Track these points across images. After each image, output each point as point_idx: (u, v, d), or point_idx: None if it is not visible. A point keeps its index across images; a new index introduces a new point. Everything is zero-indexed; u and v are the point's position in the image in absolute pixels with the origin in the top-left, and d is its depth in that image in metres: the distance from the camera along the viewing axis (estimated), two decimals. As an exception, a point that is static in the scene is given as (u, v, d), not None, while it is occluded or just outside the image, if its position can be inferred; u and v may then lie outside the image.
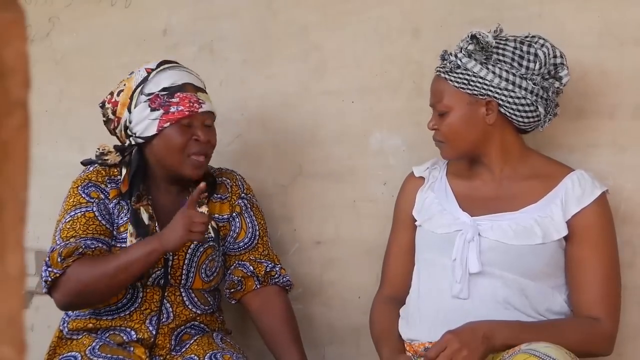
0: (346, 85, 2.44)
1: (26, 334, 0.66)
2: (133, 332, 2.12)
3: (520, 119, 1.93)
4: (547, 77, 1.93)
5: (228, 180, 2.28)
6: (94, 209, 2.11)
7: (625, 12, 2.07)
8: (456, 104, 1.93)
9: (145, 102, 2.10)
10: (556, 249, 1.89)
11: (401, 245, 2.10)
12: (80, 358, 2.06)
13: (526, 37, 1.95)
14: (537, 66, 1.91)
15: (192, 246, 2.16)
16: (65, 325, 2.18)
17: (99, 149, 2.19)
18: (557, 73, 1.95)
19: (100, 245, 2.07)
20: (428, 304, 1.94)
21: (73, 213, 2.11)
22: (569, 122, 2.12)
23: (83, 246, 2.04)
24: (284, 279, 2.26)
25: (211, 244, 2.20)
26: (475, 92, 1.91)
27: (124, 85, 2.16)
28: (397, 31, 2.37)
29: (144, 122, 2.10)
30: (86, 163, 2.22)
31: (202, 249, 2.18)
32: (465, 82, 1.91)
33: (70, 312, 2.18)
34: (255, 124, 2.56)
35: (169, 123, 2.08)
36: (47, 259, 2.06)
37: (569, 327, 1.85)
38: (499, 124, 1.94)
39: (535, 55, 1.92)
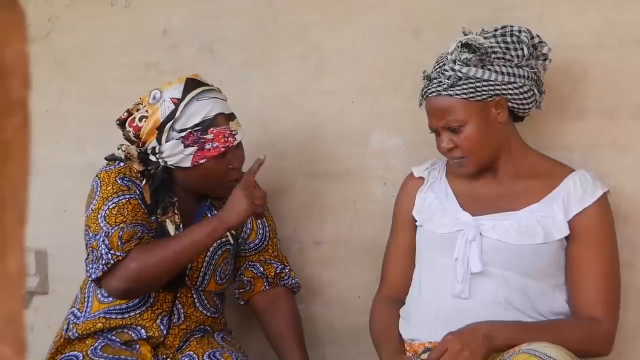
0: (346, 85, 2.44)
1: (26, 334, 0.66)
2: (143, 330, 2.12)
3: (523, 107, 1.94)
4: (534, 59, 1.94)
5: None
6: (137, 197, 2.08)
7: (625, 12, 2.08)
8: (469, 115, 1.90)
9: (178, 139, 2.05)
10: (558, 249, 1.89)
11: (401, 245, 2.10)
12: (82, 358, 2.06)
13: (497, 29, 1.94)
14: (525, 51, 1.91)
15: (210, 248, 2.16)
16: (71, 327, 2.16)
17: (123, 150, 2.13)
18: (540, 51, 1.95)
19: (151, 234, 2.06)
20: (429, 303, 1.94)
21: (117, 199, 2.06)
22: (569, 122, 2.12)
23: (140, 231, 2.02)
24: (293, 280, 2.28)
25: (228, 247, 2.21)
26: (485, 97, 1.90)
27: (146, 111, 2.09)
28: (397, 31, 2.36)
29: (178, 155, 2.07)
30: (111, 159, 2.16)
31: (219, 252, 2.18)
32: (473, 90, 1.89)
33: (79, 314, 2.17)
34: (255, 124, 2.56)
35: (205, 159, 2.06)
36: (107, 241, 1.98)
37: (569, 327, 1.86)
38: (506, 120, 1.94)
39: (519, 41, 1.92)
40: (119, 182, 2.09)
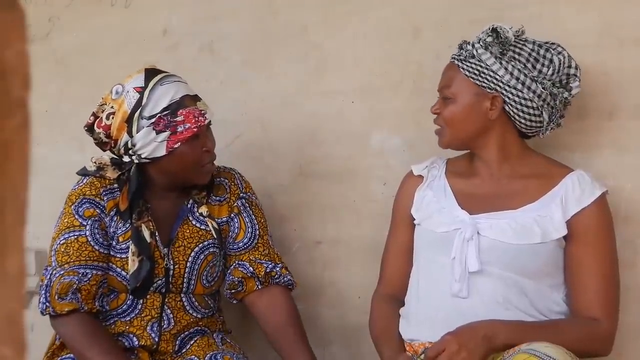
0: (346, 85, 2.44)
1: (26, 334, 0.66)
2: (135, 339, 2.11)
3: (522, 121, 1.94)
4: (558, 85, 1.94)
5: (226, 180, 2.25)
6: (87, 232, 2.08)
7: (625, 12, 2.08)
8: (462, 93, 1.94)
9: (148, 126, 2.05)
10: (555, 249, 1.89)
11: (399, 243, 2.10)
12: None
13: (546, 42, 1.96)
14: (550, 72, 1.92)
15: (192, 254, 2.14)
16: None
17: (94, 162, 2.14)
18: (569, 83, 1.95)
19: (94, 272, 2.06)
20: (428, 303, 1.94)
21: (67, 235, 2.09)
22: (569, 122, 2.12)
23: (77, 281, 2.03)
24: (285, 278, 2.22)
25: (212, 250, 2.18)
26: (484, 85, 1.92)
27: (112, 107, 2.08)
28: (397, 31, 2.37)
29: (151, 144, 2.06)
30: (81, 174, 2.17)
31: (202, 256, 2.16)
32: (477, 72, 1.93)
33: None
34: (255, 124, 2.56)
35: (179, 143, 2.05)
36: (47, 287, 2.05)
37: (569, 327, 1.86)
38: (500, 121, 1.94)
39: (551, 60, 1.92)
40: (73, 212, 2.11)
